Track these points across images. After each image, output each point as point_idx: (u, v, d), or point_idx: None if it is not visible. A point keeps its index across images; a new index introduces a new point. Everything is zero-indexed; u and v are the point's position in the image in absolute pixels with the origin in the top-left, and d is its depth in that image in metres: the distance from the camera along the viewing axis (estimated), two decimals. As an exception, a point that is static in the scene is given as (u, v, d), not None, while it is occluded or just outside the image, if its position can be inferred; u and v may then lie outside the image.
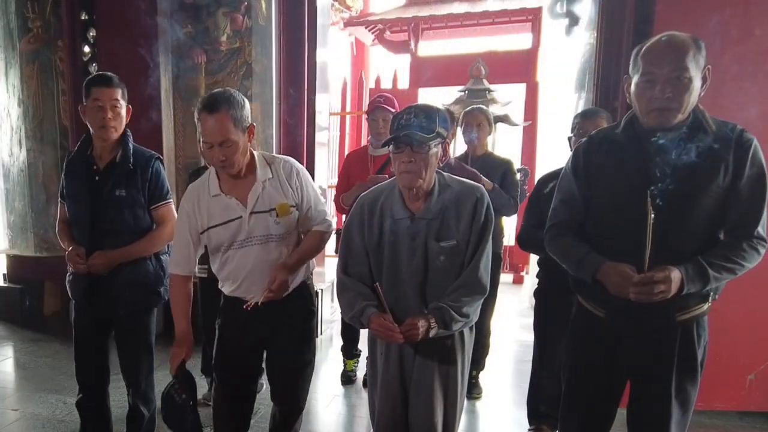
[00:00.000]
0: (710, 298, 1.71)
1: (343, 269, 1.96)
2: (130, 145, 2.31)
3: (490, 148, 3.56)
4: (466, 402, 3.41)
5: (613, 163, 1.72)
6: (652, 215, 1.57)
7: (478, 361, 3.51)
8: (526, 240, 2.59)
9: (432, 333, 1.78)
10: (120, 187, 2.26)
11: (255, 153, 2.03)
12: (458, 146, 6.45)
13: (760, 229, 1.63)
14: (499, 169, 3.30)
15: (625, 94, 1.75)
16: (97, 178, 2.26)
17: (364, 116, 4.00)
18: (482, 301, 1.88)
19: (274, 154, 2.18)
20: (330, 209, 4.20)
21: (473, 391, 3.48)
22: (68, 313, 4.55)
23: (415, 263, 1.84)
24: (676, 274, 1.56)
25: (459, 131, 3.54)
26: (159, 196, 2.35)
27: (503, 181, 3.26)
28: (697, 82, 1.59)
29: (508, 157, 3.57)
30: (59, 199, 2.42)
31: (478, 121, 3.33)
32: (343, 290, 1.95)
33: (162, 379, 3.52)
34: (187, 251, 2.04)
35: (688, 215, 1.62)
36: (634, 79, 1.65)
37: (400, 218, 1.86)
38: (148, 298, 2.39)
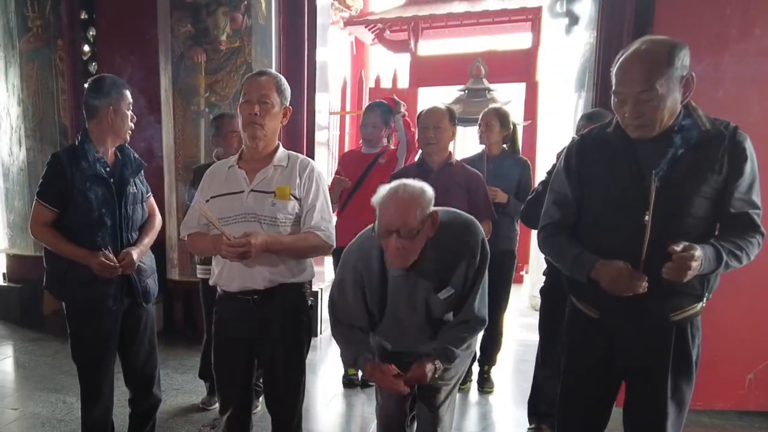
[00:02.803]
0: (704, 297, 1.71)
1: (334, 314, 2.02)
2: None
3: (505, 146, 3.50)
4: (477, 396, 3.47)
5: (606, 163, 1.71)
6: (648, 217, 1.57)
7: (490, 357, 3.54)
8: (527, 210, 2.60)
9: (438, 374, 1.86)
10: (131, 184, 2.29)
11: (282, 147, 2.11)
12: (461, 145, 6.48)
13: (760, 224, 1.63)
14: (516, 170, 3.28)
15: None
16: (112, 179, 2.24)
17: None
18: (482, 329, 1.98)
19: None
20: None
21: (485, 385, 3.53)
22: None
23: (417, 317, 1.90)
24: (699, 253, 1.52)
25: (458, 130, 3.52)
26: (147, 188, 2.42)
27: (519, 180, 3.25)
28: (672, 95, 1.55)
29: (524, 157, 3.53)
30: (43, 202, 2.20)
31: (486, 121, 3.32)
32: (334, 322, 2.02)
33: (175, 378, 3.54)
34: (197, 217, 2.12)
35: (682, 215, 1.62)
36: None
37: (395, 276, 1.87)
38: (157, 284, 2.44)
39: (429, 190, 1.78)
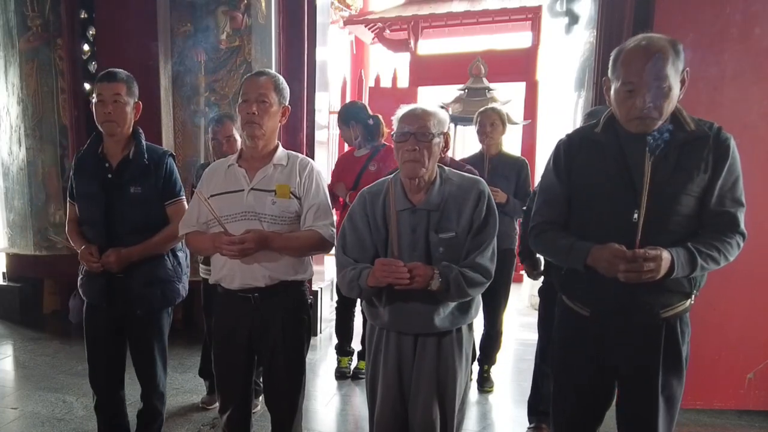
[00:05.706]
0: (693, 294, 1.73)
1: (344, 251, 1.97)
2: (143, 142, 2.30)
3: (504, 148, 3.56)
4: (477, 396, 3.45)
5: (594, 163, 1.72)
6: (642, 206, 1.58)
7: (490, 356, 3.56)
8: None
9: (433, 284, 1.77)
10: (135, 183, 2.24)
11: (281, 147, 2.12)
12: (461, 145, 6.48)
13: (741, 225, 1.65)
14: (513, 169, 3.34)
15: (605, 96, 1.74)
16: (110, 175, 2.24)
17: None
18: (484, 288, 1.87)
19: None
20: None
21: (485, 384, 3.54)
22: (68, 312, 4.58)
23: (416, 256, 1.85)
24: (666, 255, 1.57)
25: (458, 129, 3.54)
26: (172, 193, 2.34)
27: (518, 180, 3.31)
28: (676, 88, 1.59)
29: (522, 156, 3.62)
30: (68, 198, 2.39)
31: (491, 121, 3.35)
32: (341, 268, 1.96)
33: (175, 377, 3.54)
34: (197, 215, 2.11)
35: (669, 215, 1.63)
36: (614, 86, 1.64)
37: (401, 209, 1.88)
38: (166, 295, 2.37)
39: (445, 114, 1.90)
